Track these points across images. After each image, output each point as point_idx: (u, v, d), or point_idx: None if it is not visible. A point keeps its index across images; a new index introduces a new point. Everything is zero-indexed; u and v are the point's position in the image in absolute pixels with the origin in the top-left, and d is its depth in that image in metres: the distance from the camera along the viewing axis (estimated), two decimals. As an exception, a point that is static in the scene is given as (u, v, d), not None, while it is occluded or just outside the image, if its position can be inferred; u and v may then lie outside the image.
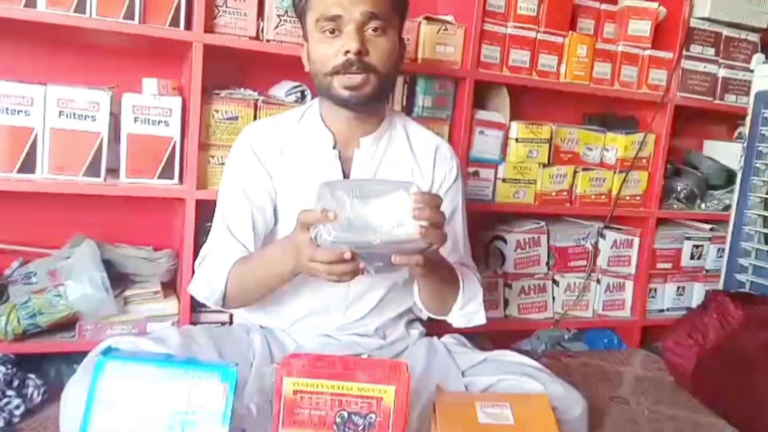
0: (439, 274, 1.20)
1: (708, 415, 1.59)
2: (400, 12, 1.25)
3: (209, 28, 1.51)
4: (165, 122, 1.52)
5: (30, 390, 1.38)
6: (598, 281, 2.08)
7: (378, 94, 1.22)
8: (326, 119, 1.29)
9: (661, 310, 2.18)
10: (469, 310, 1.28)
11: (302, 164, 1.29)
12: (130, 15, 1.44)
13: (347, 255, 0.96)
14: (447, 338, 1.41)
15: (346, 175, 1.28)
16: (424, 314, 1.41)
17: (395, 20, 1.23)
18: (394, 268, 1.02)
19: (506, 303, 1.96)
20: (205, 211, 1.51)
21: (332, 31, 1.17)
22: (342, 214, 0.96)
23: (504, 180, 1.89)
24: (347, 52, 1.16)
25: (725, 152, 2.26)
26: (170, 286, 1.65)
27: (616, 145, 2.02)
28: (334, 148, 1.29)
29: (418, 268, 1.04)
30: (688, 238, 2.17)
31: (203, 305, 1.49)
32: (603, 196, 2.03)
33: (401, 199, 0.99)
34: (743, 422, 1.52)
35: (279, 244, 1.22)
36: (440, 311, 1.30)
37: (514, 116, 1.89)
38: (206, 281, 1.26)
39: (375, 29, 1.17)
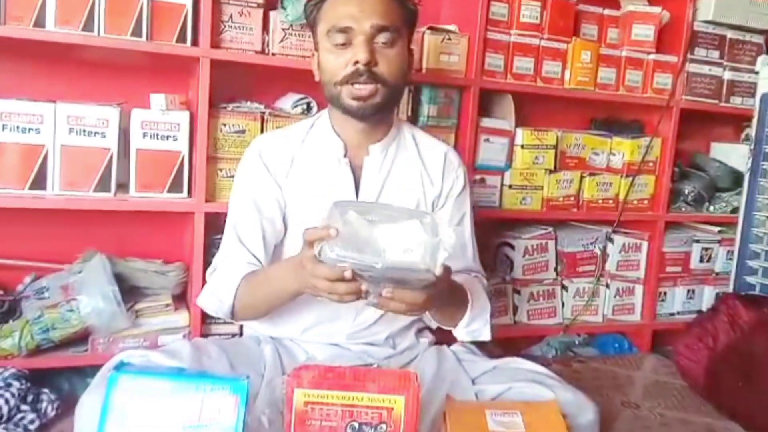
0: (447, 301, 1.19)
1: (720, 419, 1.59)
2: (409, 24, 1.26)
3: (215, 44, 1.53)
4: (173, 137, 1.54)
5: (44, 404, 1.39)
6: (608, 286, 2.07)
7: (385, 104, 1.23)
8: (336, 128, 1.31)
9: (672, 314, 2.17)
10: (474, 327, 1.28)
11: (312, 173, 1.30)
12: (137, 32, 1.47)
13: (348, 273, 0.95)
14: (456, 346, 1.41)
15: (357, 183, 1.29)
16: (434, 323, 1.41)
17: (404, 32, 1.24)
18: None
19: (515, 309, 1.96)
20: (215, 223, 1.52)
21: (343, 42, 1.19)
22: (347, 232, 0.94)
23: (510, 186, 1.90)
24: (356, 62, 1.17)
25: (732, 154, 2.26)
26: (181, 298, 1.66)
27: (623, 149, 2.03)
28: (345, 156, 1.30)
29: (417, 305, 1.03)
30: (697, 241, 2.16)
31: (214, 317, 1.51)
32: (610, 201, 2.03)
33: (413, 228, 0.96)
34: (757, 426, 1.51)
35: (285, 262, 1.22)
36: (447, 325, 1.31)
37: (519, 123, 1.90)
38: (215, 295, 1.27)
39: (385, 41, 1.19)
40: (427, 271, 0.95)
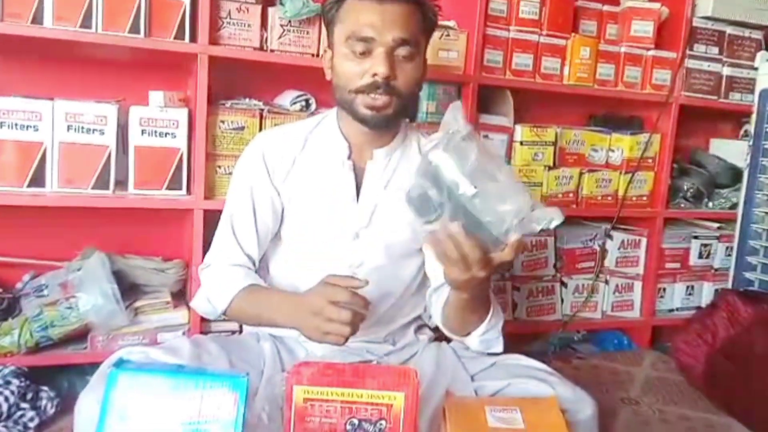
0: (479, 294, 1.18)
1: (719, 415, 1.59)
2: (427, 35, 1.25)
3: (214, 40, 1.53)
4: (172, 134, 1.54)
5: (43, 402, 1.40)
6: (607, 282, 2.08)
7: (398, 115, 1.22)
8: (343, 130, 1.30)
9: (671, 310, 2.17)
10: (488, 337, 1.27)
11: (314, 173, 1.30)
12: (135, 29, 1.46)
13: (359, 284, 1.09)
14: (456, 343, 1.40)
15: (358, 186, 1.29)
16: (433, 323, 1.41)
17: (423, 43, 1.23)
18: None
19: (515, 306, 1.96)
20: (213, 220, 1.52)
21: (362, 51, 1.17)
22: (471, 150, 0.95)
23: (509, 183, 1.89)
24: (375, 74, 1.15)
25: (732, 150, 2.26)
26: (180, 296, 1.66)
27: (622, 145, 2.03)
28: (349, 158, 1.29)
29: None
30: (696, 237, 2.17)
31: (213, 314, 1.51)
32: (609, 197, 2.03)
33: (521, 202, 0.92)
34: (755, 422, 1.51)
35: (286, 297, 1.23)
36: (459, 332, 1.29)
37: (518, 119, 1.90)
38: (209, 300, 1.29)
39: (405, 54, 1.17)
40: (497, 240, 0.94)
